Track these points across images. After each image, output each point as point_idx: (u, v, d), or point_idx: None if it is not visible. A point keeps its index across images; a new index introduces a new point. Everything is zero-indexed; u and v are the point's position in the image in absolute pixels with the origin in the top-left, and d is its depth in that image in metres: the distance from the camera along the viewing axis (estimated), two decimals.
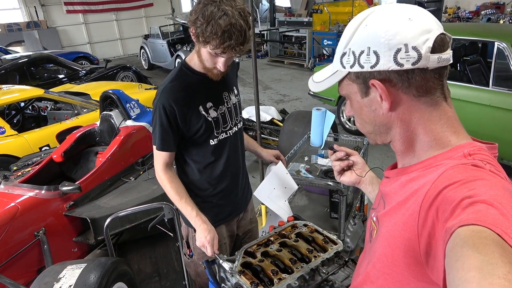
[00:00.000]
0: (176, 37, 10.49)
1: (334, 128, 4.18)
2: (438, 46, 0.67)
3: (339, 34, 8.62)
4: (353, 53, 0.71)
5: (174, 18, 11.60)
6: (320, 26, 9.64)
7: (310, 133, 2.94)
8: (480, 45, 4.56)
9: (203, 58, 1.42)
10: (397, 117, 0.73)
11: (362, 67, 0.71)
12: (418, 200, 0.66)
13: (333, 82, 0.78)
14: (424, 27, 0.67)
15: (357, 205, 3.12)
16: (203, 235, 1.50)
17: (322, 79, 0.81)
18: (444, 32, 0.69)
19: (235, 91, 1.68)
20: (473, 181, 0.59)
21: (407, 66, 0.67)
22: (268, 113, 4.94)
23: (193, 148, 1.58)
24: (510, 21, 9.75)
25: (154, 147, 1.53)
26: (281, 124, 4.62)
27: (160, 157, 1.53)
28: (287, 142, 3.81)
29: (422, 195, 0.65)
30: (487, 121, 3.75)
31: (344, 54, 0.74)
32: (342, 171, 1.10)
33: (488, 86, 3.73)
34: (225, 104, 1.59)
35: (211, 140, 1.56)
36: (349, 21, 0.79)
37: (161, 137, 1.48)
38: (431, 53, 0.66)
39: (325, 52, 10.23)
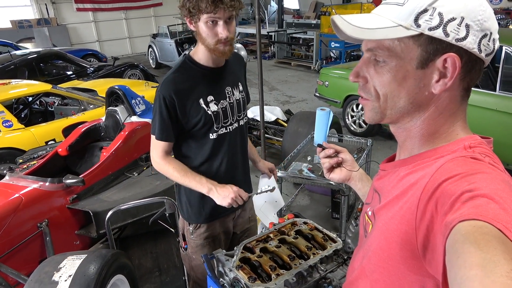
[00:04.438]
0: (184, 36, 10.54)
1: (339, 129, 4.17)
2: None
3: None
4: (440, 15, 0.61)
5: (182, 18, 11.64)
6: (328, 28, 9.62)
7: (313, 133, 2.95)
8: None
9: (204, 36, 1.42)
10: (436, 102, 0.68)
11: (447, 35, 0.61)
12: (416, 193, 0.64)
13: (390, 36, 0.65)
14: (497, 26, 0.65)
15: (359, 206, 3.11)
16: (226, 190, 1.50)
17: (371, 27, 0.66)
18: None
19: (240, 87, 1.68)
20: (473, 175, 0.57)
21: (483, 54, 0.63)
22: (273, 113, 4.94)
23: (192, 141, 1.58)
24: None
25: (153, 136, 1.54)
26: (285, 125, 4.61)
27: (158, 146, 1.54)
28: (291, 143, 3.80)
29: (420, 188, 0.64)
30: (493, 126, 3.72)
31: (424, 11, 0.62)
32: (332, 168, 1.10)
33: (495, 91, 3.70)
34: (227, 99, 1.60)
35: (210, 134, 1.56)
36: None
37: (160, 127, 1.50)
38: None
39: (332, 54, 10.22)
